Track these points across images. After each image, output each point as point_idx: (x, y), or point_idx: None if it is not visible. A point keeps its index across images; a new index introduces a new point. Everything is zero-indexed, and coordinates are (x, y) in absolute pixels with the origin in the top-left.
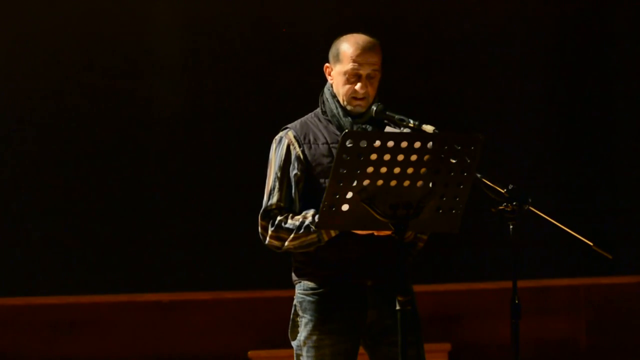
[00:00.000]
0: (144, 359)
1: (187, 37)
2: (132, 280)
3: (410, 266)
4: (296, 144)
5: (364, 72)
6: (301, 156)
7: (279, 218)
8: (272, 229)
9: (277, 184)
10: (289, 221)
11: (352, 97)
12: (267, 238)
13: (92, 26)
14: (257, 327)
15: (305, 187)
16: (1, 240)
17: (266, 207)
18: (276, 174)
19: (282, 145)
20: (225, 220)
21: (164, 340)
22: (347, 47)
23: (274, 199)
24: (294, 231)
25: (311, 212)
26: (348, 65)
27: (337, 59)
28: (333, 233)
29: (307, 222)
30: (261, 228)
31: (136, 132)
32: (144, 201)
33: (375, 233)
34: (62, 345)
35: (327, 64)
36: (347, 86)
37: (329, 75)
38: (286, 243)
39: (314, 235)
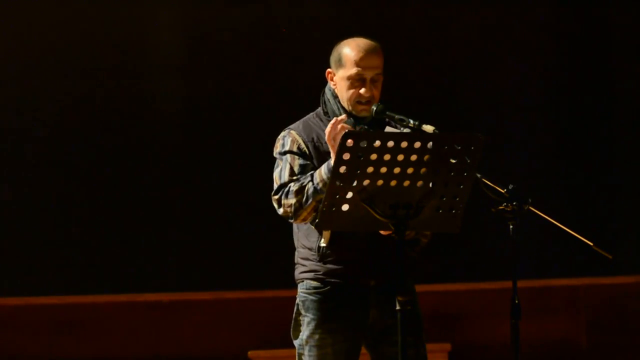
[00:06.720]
0: (144, 359)
1: (187, 37)
2: (132, 280)
3: (413, 265)
4: (301, 141)
5: (368, 76)
6: (307, 152)
7: (289, 185)
8: (284, 196)
9: (287, 165)
10: (296, 183)
11: (357, 101)
12: (282, 207)
13: (92, 26)
14: (257, 327)
15: None
16: (1, 240)
17: (279, 184)
18: (284, 158)
19: (287, 139)
20: (226, 221)
21: (164, 340)
22: (350, 51)
23: (285, 178)
24: (297, 188)
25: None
26: (352, 70)
27: (340, 63)
28: (325, 176)
29: (306, 175)
30: (275, 203)
31: (136, 132)
32: (144, 201)
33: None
34: (62, 345)
35: (329, 70)
36: (352, 91)
37: (331, 80)
38: (293, 200)
39: (309, 184)
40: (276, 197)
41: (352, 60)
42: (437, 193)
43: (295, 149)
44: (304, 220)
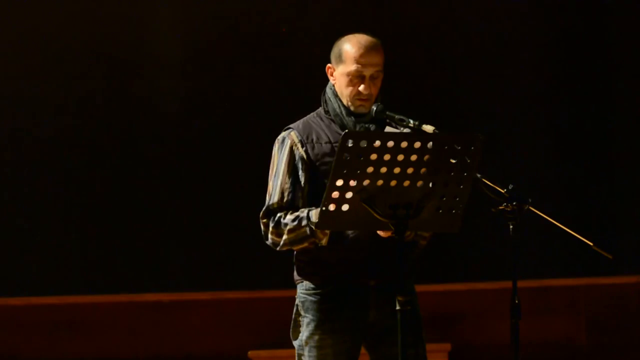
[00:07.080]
0: (144, 359)
1: (187, 36)
2: (132, 280)
3: (412, 266)
4: (299, 145)
5: (367, 73)
6: (304, 156)
7: (279, 214)
8: (273, 225)
9: (279, 183)
10: (288, 216)
11: (356, 97)
12: (269, 235)
13: (92, 26)
14: (257, 327)
15: (310, 187)
16: (1, 240)
17: (268, 206)
18: (278, 173)
19: (285, 146)
20: (225, 221)
21: (164, 340)
22: (350, 47)
23: (276, 198)
24: (289, 224)
25: (309, 208)
26: (351, 67)
27: (340, 59)
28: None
29: (302, 215)
30: (263, 226)
31: (136, 132)
32: (144, 201)
33: (381, 234)
34: (62, 345)
35: (329, 65)
36: (351, 87)
37: (331, 75)
38: (284, 236)
39: (305, 229)
40: (264, 221)
41: (352, 57)
42: (437, 193)
43: (296, 156)
44: (285, 250)
